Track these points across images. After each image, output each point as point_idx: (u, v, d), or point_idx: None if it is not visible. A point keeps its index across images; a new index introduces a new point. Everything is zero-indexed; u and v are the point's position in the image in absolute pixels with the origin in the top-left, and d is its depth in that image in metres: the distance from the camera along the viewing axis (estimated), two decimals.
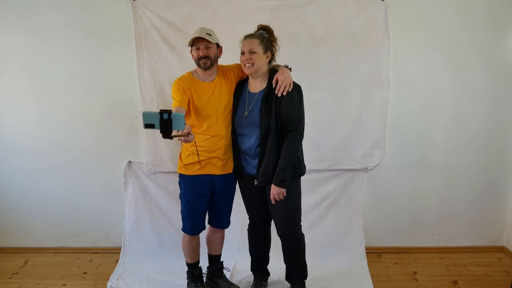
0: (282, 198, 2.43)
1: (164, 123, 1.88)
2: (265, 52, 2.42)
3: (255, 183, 2.49)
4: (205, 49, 2.47)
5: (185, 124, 1.95)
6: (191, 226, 2.68)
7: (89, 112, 3.27)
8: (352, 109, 3.14)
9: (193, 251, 2.76)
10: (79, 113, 3.28)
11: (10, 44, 3.19)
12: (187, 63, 2.73)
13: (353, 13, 3.01)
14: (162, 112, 1.87)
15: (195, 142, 2.46)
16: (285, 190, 2.41)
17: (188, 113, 2.50)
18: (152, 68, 3.07)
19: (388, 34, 3.03)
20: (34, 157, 3.38)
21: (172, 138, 1.95)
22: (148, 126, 1.91)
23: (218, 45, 2.56)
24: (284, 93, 2.36)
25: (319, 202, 3.26)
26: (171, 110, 1.89)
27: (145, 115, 1.91)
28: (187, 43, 2.52)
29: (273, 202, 2.46)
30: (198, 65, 2.51)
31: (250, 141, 2.49)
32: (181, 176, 2.65)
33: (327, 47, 3.05)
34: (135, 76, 3.09)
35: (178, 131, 1.99)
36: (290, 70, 2.47)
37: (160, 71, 3.07)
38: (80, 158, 3.37)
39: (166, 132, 1.90)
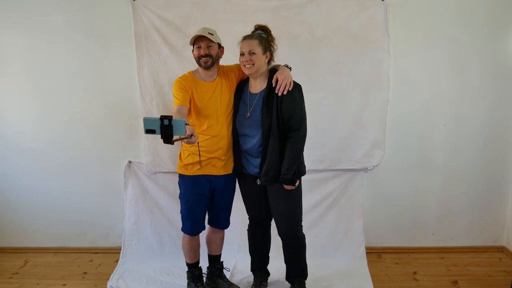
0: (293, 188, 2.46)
1: (164, 128, 1.91)
2: (264, 52, 2.43)
3: (258, 183, 2.48)
4: (206, 48, 2.47)
5: (186, 124, 1.97)
6: (191, 227, 2.67)
7: (89, 112, 3.27)
8: (352, 109, 3.13)
9: (193, 251, 2.76)
10: (79, 113, 3.28)
11: (10, 44, 3.19)
12: (187, 63, 2.74)
13: (353, 13, 3.01)
14: (162, 118, 1.90)
15: (198, 143, 2.45)
16: (294, 184, 2.43)
17: (189, 112, 2.50)
18: (152, 68, 3.06)
19: (388, 34, 3.03)
20: (34, 157, 3.37)
21: (173, 143, 1.98)
22: (149, 131, 1.94)
23: (220, 45, 2.56)
24: (285, 92, 2.36)
25: (319, 202, 3.26)
26: (171, 116, 1.91)
27: (146, 120, 1.94)
28: (188, 43, 2.53)
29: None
30: (199, 63, 2.51)
31: (252, 142, 2.48)
32: (181, 176, 2.65)
33: (327, 47, 3.04)
34: (135, 76, 3.09)
35: (179, 136, 2.00)
36: (290, 70, 2.48)
37: (160, 71, 3.06)
38: (80, 158, 3.36)
39: (167, 138, 1.94)
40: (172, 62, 3.04)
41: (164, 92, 3.07)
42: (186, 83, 2.49)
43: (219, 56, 2.56)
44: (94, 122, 3.28)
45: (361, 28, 3.02)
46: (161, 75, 3.06)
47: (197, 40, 2.48)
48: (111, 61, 3.17)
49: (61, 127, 3.31)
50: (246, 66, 2.41)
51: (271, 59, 2.51)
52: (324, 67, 3.07)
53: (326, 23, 3.02)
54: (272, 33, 2.52)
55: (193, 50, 2.54)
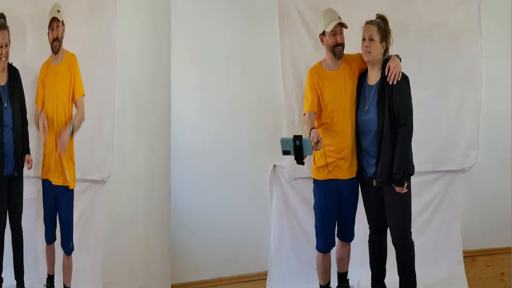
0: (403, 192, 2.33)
1: (296, 149, 2.01)
2: (381, 41, 2.37)
3: (374, 184, 2.38)
4: (341, 35, 2.35)
5: (317, 142, 2.06)
6: (324, 242, 2.49)
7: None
8: (452, 108, 3.01)
9: (325, 271, 2.56)
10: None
11: None
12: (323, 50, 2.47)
13: (452, 7, 2.92)
14: (295, 138, 2.00)
15: (324, 148, 2.30)
16: (403, 185, 2.31)
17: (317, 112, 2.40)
18: (292, 53, 2.69)
19: (481, 31, 2.95)
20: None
21: (304, 164, 2.08)
22: (285, 152, 2.05)
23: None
24: (395, 82, 2.30)
25: (426, 206, 3.05)
26: (301, 136, 2.01)
27: (283, 141, 2.04)
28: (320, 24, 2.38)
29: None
30: (333, 52, 2.38)
31: (369, 138, 2.40)
32: (315, 182, 2.50)
33: (430, 41, 2.90)
34: (278, 64, 2.68)
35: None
36: (400, 60, 2.39)
37: (299, 56, 2.70)
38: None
39: (300, 159, 2.04)
40: (309, 45, 2.68)
41: (301, 80, 2.66)
42: (314, 79, 2.41)
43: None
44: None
45: (457, 23, 2.94)
46: (299, 61, 2.69)
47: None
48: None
49: None
50: (365, 52, 2.35)
51: (386, 50, 2.41)
52: (427, 61, 2.92)
53: (429, 16, 2.89)
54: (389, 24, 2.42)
55: (321, 35, 2.37)
